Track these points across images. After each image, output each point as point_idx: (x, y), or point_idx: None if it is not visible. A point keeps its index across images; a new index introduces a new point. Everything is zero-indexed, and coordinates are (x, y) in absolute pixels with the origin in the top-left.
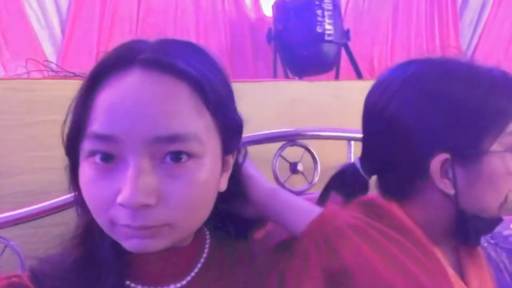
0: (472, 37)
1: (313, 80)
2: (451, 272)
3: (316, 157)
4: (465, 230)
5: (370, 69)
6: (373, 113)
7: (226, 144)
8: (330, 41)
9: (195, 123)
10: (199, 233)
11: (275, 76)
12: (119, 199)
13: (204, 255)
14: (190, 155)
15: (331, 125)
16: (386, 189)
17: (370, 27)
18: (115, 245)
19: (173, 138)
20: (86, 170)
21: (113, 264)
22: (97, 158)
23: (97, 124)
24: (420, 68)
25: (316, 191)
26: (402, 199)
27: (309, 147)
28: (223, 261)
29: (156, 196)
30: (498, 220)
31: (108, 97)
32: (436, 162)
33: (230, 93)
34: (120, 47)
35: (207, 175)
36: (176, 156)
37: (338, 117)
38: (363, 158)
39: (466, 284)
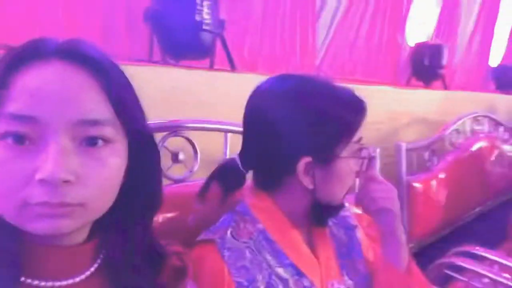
0: (326, 37)
1: (189, 67)
2: (306, 249)
3: (197, 147)
4: (318, 215)
5: (242, 59)
6: (253, 117)
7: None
8: (206, 30)
9: (110, 112)
10: (98, 231)
11: (151, 57)
12: (40, 174)
13: (104, 252)
14: (105, 141)
15: (208, 115)
16: (259, 182)
17: (243, 18)
18: (13, 238)
19: (95, 123)
20: None
21: (11, 259)
22: (10, 140)
23: (16, 105)
24: (293, 84)
25: (196, 179)
26: (272, 191)
27: (190, 138)
28: (121, 262)
29: (76, 174)
30: (343, 206)
31: (29, 81)
32: (301, 164)
33: (135, 96)
34: (35, 40)
35: (119, 161)
36: (94, 140)
37: (214, 108)
38: (242, 154)
39: (316, 257)
